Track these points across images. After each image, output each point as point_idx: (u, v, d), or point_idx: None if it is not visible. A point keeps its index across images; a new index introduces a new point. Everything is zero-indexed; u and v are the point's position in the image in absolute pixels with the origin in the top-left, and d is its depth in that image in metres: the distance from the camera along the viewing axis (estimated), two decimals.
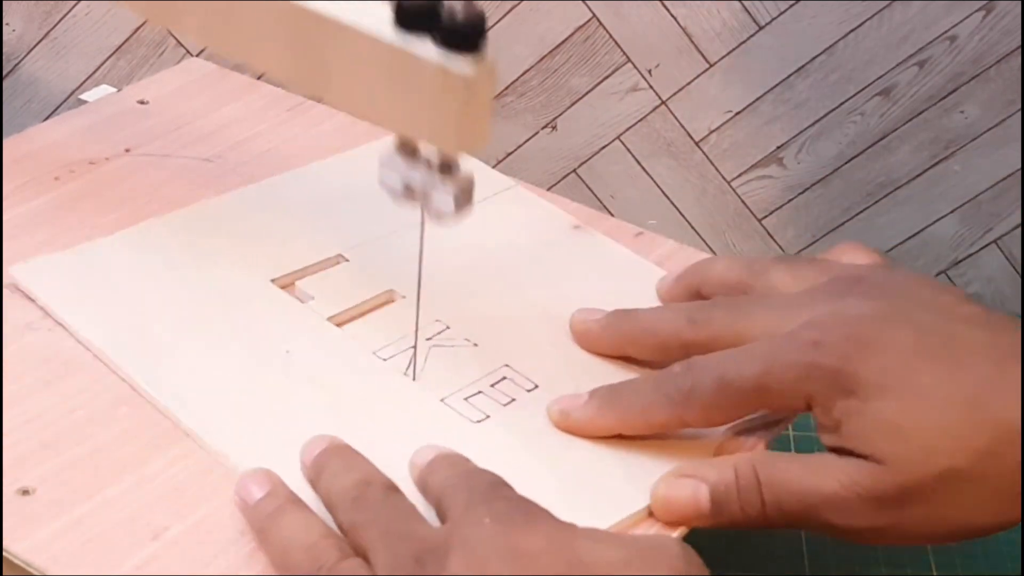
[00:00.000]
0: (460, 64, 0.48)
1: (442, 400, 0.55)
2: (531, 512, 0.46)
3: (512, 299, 0.61)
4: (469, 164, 0.53)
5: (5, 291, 0.60)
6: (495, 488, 0.47)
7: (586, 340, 0.59)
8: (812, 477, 0.50)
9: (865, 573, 0.61)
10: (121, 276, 0.60)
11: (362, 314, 0.60)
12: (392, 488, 0.48)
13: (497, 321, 0.59)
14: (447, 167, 0.52)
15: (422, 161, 0.53)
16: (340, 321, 0.59)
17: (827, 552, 0.62)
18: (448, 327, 0.59)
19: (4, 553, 0.48)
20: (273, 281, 0.61)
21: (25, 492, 0.50)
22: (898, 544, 0.51)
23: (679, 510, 0.50)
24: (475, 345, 0.58)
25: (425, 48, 0.49)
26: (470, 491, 0.47)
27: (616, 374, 0.57)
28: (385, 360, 0.57)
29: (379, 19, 0.50)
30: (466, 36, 0.48)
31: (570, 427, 0.54)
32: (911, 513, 0.49)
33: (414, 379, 0.56)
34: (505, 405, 0.55)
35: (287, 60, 0.54)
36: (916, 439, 0.48)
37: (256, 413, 0.53)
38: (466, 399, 0.55)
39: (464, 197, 0.53)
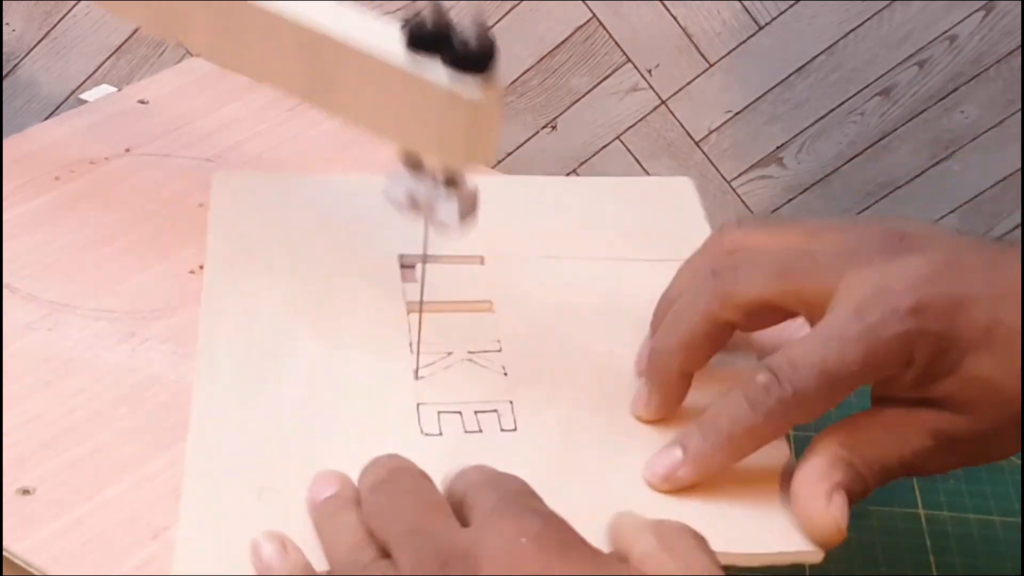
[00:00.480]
0: (469, 88, 0.49)
1: (418, 405, 0.55)
2: (565, 536, 0.45)
3: (579, 353, 0.58)
4: (475, 178, 0.53)
5: (5, 291, 0.60)
6: (525, 497, 0.46)
7: (662, 416, 0.55)
8: (899, 438, 0.50)
9: (865, 573, 0.61)
10: (288, 221, 0.63)
11: (450, 311, 0.60)
12: (423, 477, 0.48)
13: (546, 361, 0.57)
14: (452, 181, 0.53)
15: (427, 174, 0.53)
16: (423, 309, 0.59)
17: (827, 553, 0.62)
18: (499, 350, 0.58)
19: (4, 553, 0.48)
20: (401, 257, 0.62)
21: (25, 492, 0.50)
22: (980, 465, 0.53)
23: (844, 527, 0.50)
24: (504, 375, 0.56)
25: (435, 71, 0.49)
26: (499, 495, 0.46)
27: (636, 443, 0.53)
28: (423, 365, 0.57)
29: (389, 39, 0.50)
30: (477, 61, 0.49)
31: (680, 486, 0.51)
32: (990, 446, 0.51)
33: (416, 378, 0.56)
34: (467, 432, 0.53)
35: (296, 77, 0.55)
36: (1006, 389, 0.49)
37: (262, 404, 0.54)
38: (440, 412, 0.54)
39: (468, 209, 0.53)
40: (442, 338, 0.58)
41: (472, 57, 0.48)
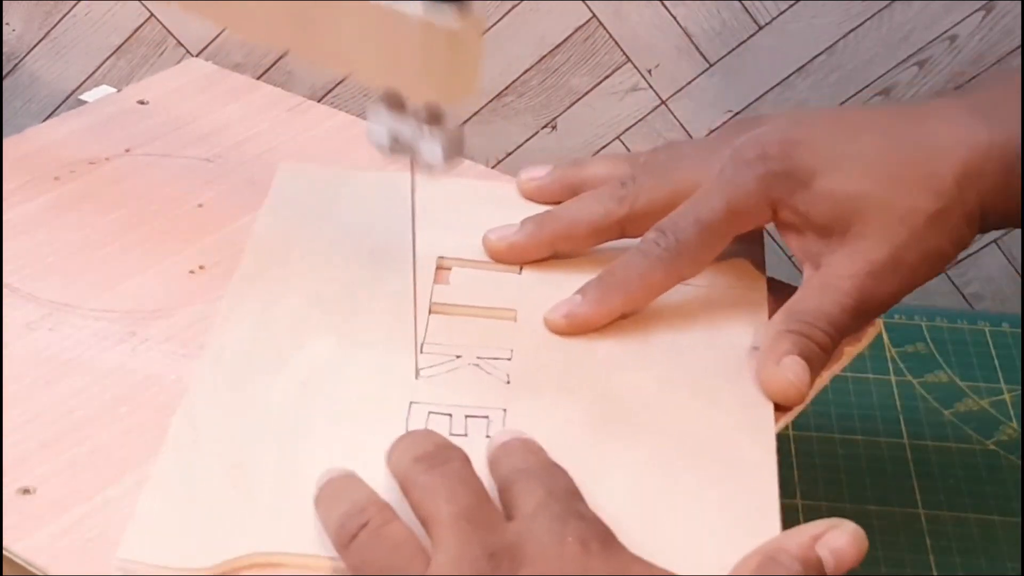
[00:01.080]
0: (445, 17, 0.48)
1: (411, 403, 0.54)
2: (609, 541, 0.45)
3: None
4: (457, 117, 0.53)
5: (5, 291, 0.60)
6: (571, 497, 0.47)
7: (512, 254, 0.61)
8: (830, 291, 0.56)
9: (865, 573, 0.61)
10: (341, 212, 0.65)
11: (472, 315, 0.59)
12: (469, 462, 0.48)
13: (546, 376, 0.56)
14: (435, 117, 0.52)
15: (409, 113, 0.52)
16: (441, 311, 0.59)
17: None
18: (510, 358, 0.57)
19: (4, 553, 0.48)
20: (440, 258, 0.62)
21: (25, 492, 0.50)
22: (918, 287, 0.58)
23: (803, 384, 0.54)
24: (507, 383, 0.56)
25: (410, 3, 0.48)
26: (547, 491, 0.46)
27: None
28: (430, 366, 0.56)
29: None
30: None
31: (579, 326, 0.57)
32: (910, 261, 0.56)
33: (416, 377, 0.56)
34: (452, 435, 0.52)
35: (270, 20, 0.54)
36: (872, 198, 0.56)
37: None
38: (430, 412, 0.54)
39: (453, 148, 0.52)
40: (455, 340, 0.58)
41: None
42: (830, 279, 0.56)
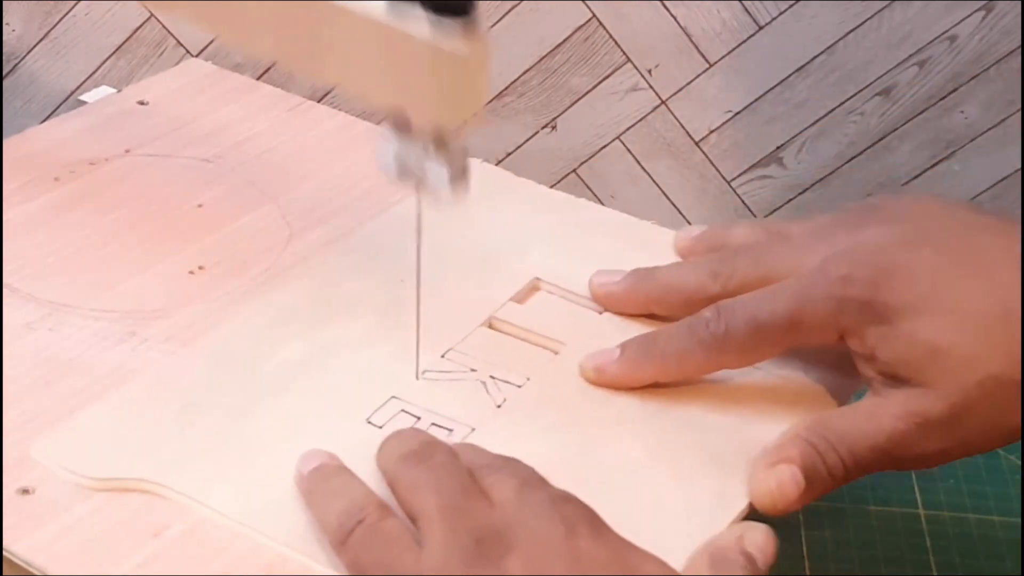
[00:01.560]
0: (452, 38, 0.48)
1: (391, 397, 0.55)
2: (596, 523, 0.46)
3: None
4: (463, 140, 0.53)
5: (5, 291, 0.60)
6: (546, 483, 0.47)
7: (608, 302, 0.59)
8: (871, 422, 0.51)
9: (865, 573, 0.61)
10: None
11: (519, 336, 0.59)
12: (455, 455, 0.48)
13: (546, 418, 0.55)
14: (441, 142, 0.52)
15: (416, 138, 0.52)
16: (496, 327, 0.59)
17: (827, 553, 0.62)
18: (521, 386, 0.56)
19: (4, 553, 0.48)
20: (537, 279, 0.62)
21: (25, 492, 0.50)
22: (966, 456, 0.53)
23: (787, 497, 0.51)
24: (498, 407, 0.55)
25: (416, 22, 0.48)
26: (520, 479, 0.47)
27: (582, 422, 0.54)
28: (441, 370, 0.57)
29: None
30: (455, 1, 0.47)
31: (607, 382, 0.55)
32: (968, 427, 0.50)
33: (416, 378, 0.56)
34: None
35: (278, 39, 0.54)
36: (954, 354, 0.50)
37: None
38: (402, 411, 0.54)
39: (459, 172, 0.52)
40: (483, 355, 0.57)
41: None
42: (877, 411, 0.51)
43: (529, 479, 0.47)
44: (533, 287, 0.62)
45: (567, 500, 0.46)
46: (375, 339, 0.58)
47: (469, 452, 0.49)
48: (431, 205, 0.54)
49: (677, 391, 0.55)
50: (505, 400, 0.55)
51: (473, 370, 0.56)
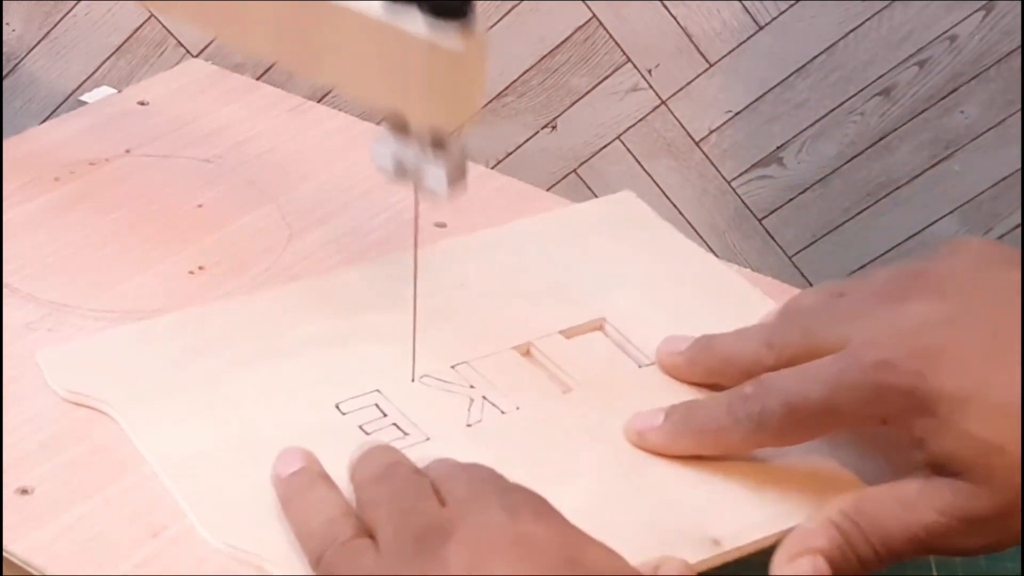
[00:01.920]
0: (449, 38, 0.48)
1: (376, 390, 0.55)
2: (542, 508, 0.46)
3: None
4: (461, 141, 0.53)
5: (5, 291, 0.60)
6: (496, 477, 0.47)
7: (675, 373, 0.57)
8: (910, 513, 0.48)
9: (865, 573, 0.61)
10: None
11: (548, 371, 0.58)
12: (418, 471, 0.48)
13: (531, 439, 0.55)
14: (439, 142, 0.52)
15: (414, 138, 0.52)
16: (526, 353, 0.58)
17: None
18: (504, 413, 0.55)
19: (4, 553, 0.48)
20: (602, 319, 0.60)
21: (25, 492, 0.50)
22: (1009, 548, 0.50)
23: None
24: (468, 426, 0.54)
25: (414, 22, 0.48)
26: (478, 478, 0.47)
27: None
28: (440, 379, 0.57)
29: None
30: (454, 5, 0.47)
31: (647, 448, 0.53)
32: (1012, 524, 0.48)
33: (412, 380, 0.56)
34: (360, 426, 0.54)
35: (277, 39, 0.54)
36: (1008, 452, 0.47)
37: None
38: (376, 404, 0.55)
39: (457, 172, 0.52)
40: (492, 375, 0.57)
41: (449, 1, 0.47)
42: (918, 502, 0.48)
43: (485, 476, 0.47)
44: (596, 325, 0.60)
45: (515, 489, 0.46)
46: (397, 335, 0.58)
47: (438, 465, 0.49)
48: (430, 200, 0.54)
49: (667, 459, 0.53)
50: (479, 422, 0.54)
51: (472, 387, 0.56)
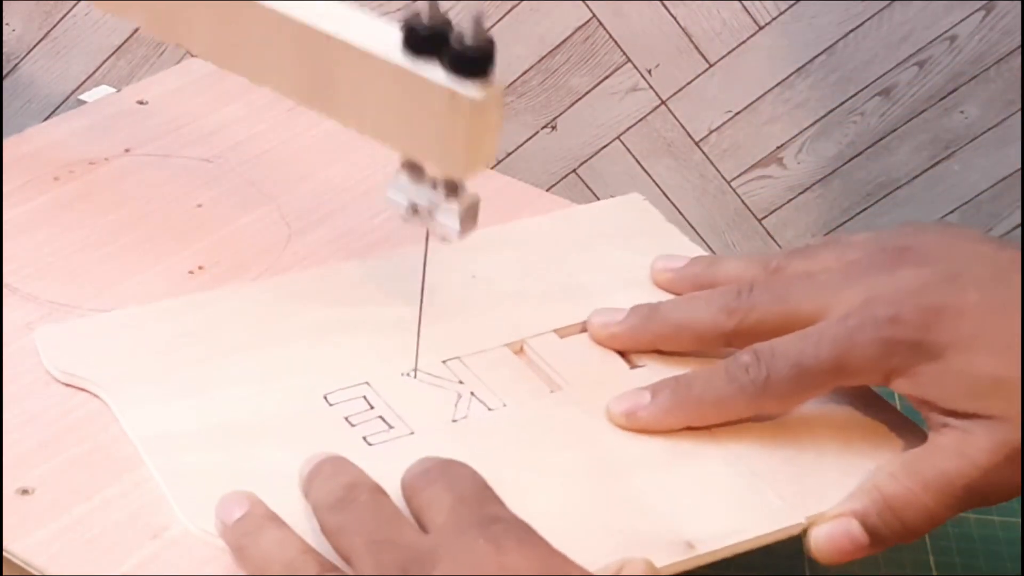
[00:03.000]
0: (468, 88, 0.48)
1: (366, 383, 0.55)
2: (525, 537, 0.45)
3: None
4: (474, 187, 0.53)
5: (5, 291, 0.60)
6: (483, 498, 0.47)
7: (612, 343, 0.58)
8: (963, 459, 0.50)
9: (865, 573, 0.61)
10: None
11: (529, 364, 0.58)
12: (379, 491, 0.48)
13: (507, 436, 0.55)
14: (453, 188, 0.53)
15: (427, 181, 0.53)
16: (519, 353, 0.58)
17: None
18: (491, 410, 0.55)
19: (4, 553, 0.48)
20: (558, 330, 0.60)
21: (25, 492, 0.50)
22: None
23: (837, 550, 0.51)
24: (453, 422, 0.54)
25: (433, 71, 0.49)
26: (456, 497, 0.46)
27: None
28: (435, 374, 0.57)
29: (388, 41, 0.50)
30: (475, 61, 0.48)
31: (638, 427, 0.54)
32: None
33: (415, 377, 0.56)
34: (347, 417, 0.54)
35: (295, 78, 0.54)
36: (1017, 384, 0.50)
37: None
38: (364, 396, 0.55)
39: (469, 218, 0.53)
40: (482, 371, 0.57)
41: (470, 57, 0.48)
42: (966, 448, 0.50)
43: (464, 496, 0.46)
44: (560, 333, 0.60)
45: (496, 520, 0.45)
46: (391, 329, 0.58)
47: (415, 478, 0.48)
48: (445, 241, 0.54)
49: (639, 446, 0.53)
50: (465, 418, 0.54)
51: (461, 382, 0.56)
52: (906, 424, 0.55)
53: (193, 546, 0.48)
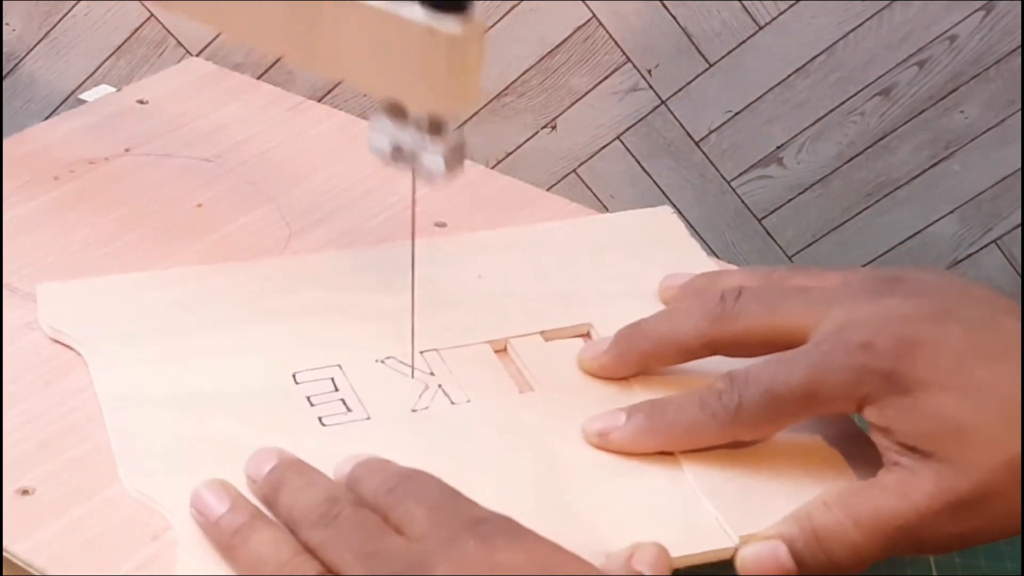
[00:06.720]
0: (447, 23, 0.48)
1: (339, 365, 0.56)
2: (512, 531, 0.45)
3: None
4: (458, 126, 0.53)
5: (5, 291, 0.60)
6: (455, 504, 0.46)
7: (606, 373, 0.57)
8: (900, 499, 0.49)
9: (865, 573, 0.61)
10: None
11: (516, 369, 0.58)
12: (360, 504, 0.47)
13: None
14: (436, 127, 0.52)
15: (411, 122, 0.52)
16: (500, 352, 0.59)
17: None
18: (454, 404, 0.55)
19: (4, 553, 0.48)
20: (589, 325, 0.60)
21: (25, 492, 0.50)
22: (982, 544, 0.51)
23: (763, 572, 0.49)
24: (413, 411, 0.55)
25: (411, 9, 0.49)
26: (428, 507, 0.46)
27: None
28: (418, 369, 0.57)
29: None
30: None
31: (610, 448, 0.53)
32: (992, 510, 0.49)
33: (412, 376, 0.56)
34: (311, 396, 0.54)
35: (274, 28, 0.54)
36: (981, 433, 0.48)
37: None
38: (332, 379, 0.55)
39: (454, 157, 0.52)
40: (456, 366, 0.57)
41: None
42: (907, 488, 0.49)
43: (437, 503, 0.46)
44: (581, 332, 0.60)
45: (481, 520, 0.45)
46: (377, 316, 0.58)
47: (369, 478, 0.48)
48: (428, 185, 0.54)
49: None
50: (426, 409, 0.55)
51: (432, 374, 0.56)
52: (877, 458, 0.52)
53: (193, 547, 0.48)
